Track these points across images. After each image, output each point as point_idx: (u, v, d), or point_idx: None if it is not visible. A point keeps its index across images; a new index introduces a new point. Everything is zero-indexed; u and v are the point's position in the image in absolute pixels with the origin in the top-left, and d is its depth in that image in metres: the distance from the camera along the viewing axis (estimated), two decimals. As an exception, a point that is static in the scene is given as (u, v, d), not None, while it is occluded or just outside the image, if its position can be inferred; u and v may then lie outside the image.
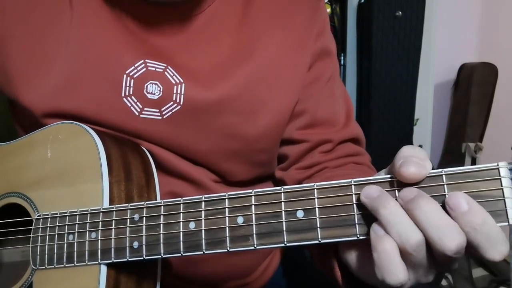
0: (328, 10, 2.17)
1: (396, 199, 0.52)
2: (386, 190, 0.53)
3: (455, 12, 2.60)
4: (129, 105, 0.81)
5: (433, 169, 0.53)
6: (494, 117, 2.53)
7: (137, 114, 0.81)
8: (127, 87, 0.80)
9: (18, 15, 0.82)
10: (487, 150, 2.48)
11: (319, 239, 0.55)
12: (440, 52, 2.40)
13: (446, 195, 0.51)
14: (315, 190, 0.56)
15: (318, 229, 0.55)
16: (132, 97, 0.81)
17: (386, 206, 0.51)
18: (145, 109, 0.81)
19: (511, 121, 2.59)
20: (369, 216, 0.54)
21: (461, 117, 2.56)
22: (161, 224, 0.64)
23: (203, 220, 0.61)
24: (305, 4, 0.90)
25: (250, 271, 1.00)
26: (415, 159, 0.52)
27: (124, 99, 0.80)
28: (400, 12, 2.09)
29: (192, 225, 0.61)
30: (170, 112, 0.81)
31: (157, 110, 0.81)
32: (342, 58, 2.21)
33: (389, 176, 0.54)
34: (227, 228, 0.60)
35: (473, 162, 2.51)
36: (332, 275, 0.70)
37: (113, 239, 0.67)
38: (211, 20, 0.84)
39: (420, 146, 2.32)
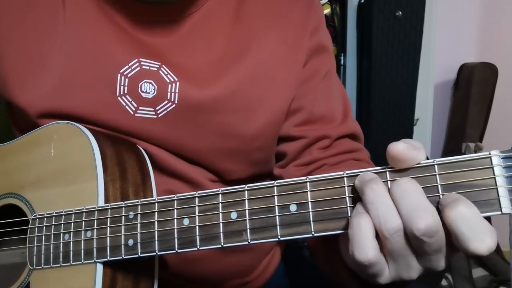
0: (328, 10, 2.18)
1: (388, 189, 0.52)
2: None
3: (455, 12, 2.60)
4: (124, 104, 0.81)
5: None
6: (494, 117, 2.52)
7: (132, 113, 0.81)
8: (122, 86, 0.80)
9: (13, 18, 0.82)
10: (487, 150, 2.45)
11: (312, 233, 0.55)
12: (440, 52, 2.39)
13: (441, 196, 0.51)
14: (308, 183, 0.56)
15: (311, 222, 0.55)
16: (127, 96, 0.81)
17: (372, 188, 0.51)
18: (140, 108, 0.81)
19: (511, 121, 2.59)
20: None
21: (461, 117, 2.56)
22: (156, 222, 0.64)
23: (197, 216, 0.61)
24: (299, 1, 0.90)
25: (250, 270, 1.00)
26: (407, 142, 0.52)
27: (119, 98, 0.80)
28: (400, 12, 2.09)
29: (186, 222, 0.61)
30: (165, 111, 0.81)
31: (152, 109, 0.81)
32: (342, 58, 2.21)
33: (381, 167, 0.54)
34: (220, 223, 0.60)
35: (474, 162, 2.50)
36: (337, 275, 0.70)
37: (108, 238, 0.67)
38: (205, 18, 0.84)
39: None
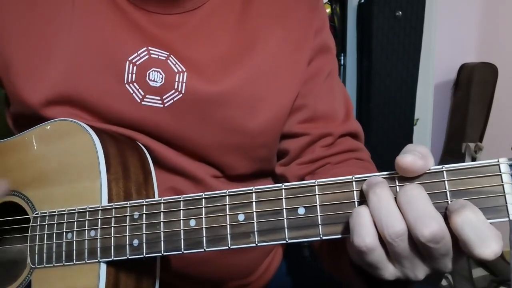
0: (328, 10, 2.18)
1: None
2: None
3: (455, 12, 2.60)
4: (131, 91, 0.81)
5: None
6: (494, 117, 2.52)
7: (139, 101, 0.81)
8: (130, 74, 0.81)
9: (19, 6, 0.83)
10: (487, 150, 2.48)
11: (321, 236, 0.56)
12: (440, 52, 2.40)
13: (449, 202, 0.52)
14: (316, 186, 0.56)
15: (320, 225, 0.56)
16: (135, 83, 0.81)
17: (376, 192, 0.52)
18: (146, 96, 0.81)
19: (511, 121, 2.59)
20: None
21: (461, 117, 2.56)
22: (161, 222, 0.64)
23: (203, 218, 0.61)
24: (304, 1, 0.91)
25: (251, 270, 1.00)
26: (414, 152, 0.52)
27: (127, 85, 0.81)
28: (400, 12, 2.09)
29: (192, 223, 0.62)
30: (172, 101, 0.82)
31: (159, 98, 0.82)
32: (342, 58, 2.21)
33: (390, 172, 0.54)
34: (228, 225, 0.60)
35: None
36: (342, 274, 0.70)
37: (112, 237, 0.67)
38: (211, 14, 0.85)
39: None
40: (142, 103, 0.81)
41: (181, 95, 0.82)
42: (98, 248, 0.67)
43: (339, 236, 0.55)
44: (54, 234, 0.72)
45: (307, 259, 1.13)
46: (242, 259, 0.95)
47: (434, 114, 2.39)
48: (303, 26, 0.90)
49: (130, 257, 0.65)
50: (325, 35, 0.94)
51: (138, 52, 0.81)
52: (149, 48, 0.81)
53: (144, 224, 0.65)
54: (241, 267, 0.97)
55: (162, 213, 0.64)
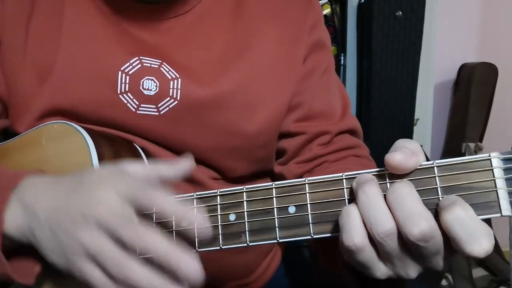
0: (328, 10, 2.18)
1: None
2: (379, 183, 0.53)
3: (455, 12, 2.60)
4: (126, 102, 0.81)
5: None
6: (494, 117, 2.52)
7: (133, 110, 0.81)
8: (123, 84, 0.81)
9: (18, 22, 0.82)
10: (487, 150, 2.45)
11: (312, 235, 0.55)
12: (440, 52, 2.40)
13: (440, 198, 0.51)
14: (306, 185, 0.56)
15: (310, 224, 0.55)
16: (128, 93, 0.81)
17: (364, 190, 0.51)
18: (141, 105, 0.81)
19: (511, 121, 2.58)
20: None
21: (461, 117, 2.56)
22: (154, 223, 0.63)
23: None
24: None
25: (250, 271, 1.00)
26: (404, 149, 0.52)
27: (120, 96, 0.81)
28: (400, 12, 2.09)
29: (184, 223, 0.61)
30: (167, 108, 0.82)
31: (154, 106, 0.81)
32: (342, 58, 2.21)
33: (380, 169, 0.54)
34: (219, 225, 0.60)
35: (474, 162, 2.50)
36: (338, 271, 0.69)
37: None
38: (203, 16, 0.85)
39: (420, 146, 2.31)
40: (137, 112, 0.81)
41: (176, 102, 0.81)
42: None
43: (330, 235, 0.55)
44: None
45: (307, 259, 1.13)
46: (241, 259, 0.94)
47: (434, 114, 2.39)
48: (297, 23, 0.89)
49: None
50: (320, 31, 0.94)
51: (130, 62, 0.81)
52: (141, 57, 0.81)
53: (136, 225, 0.64)
54: (240, 267, 0.96)
55: (154, 213, 0.63)
